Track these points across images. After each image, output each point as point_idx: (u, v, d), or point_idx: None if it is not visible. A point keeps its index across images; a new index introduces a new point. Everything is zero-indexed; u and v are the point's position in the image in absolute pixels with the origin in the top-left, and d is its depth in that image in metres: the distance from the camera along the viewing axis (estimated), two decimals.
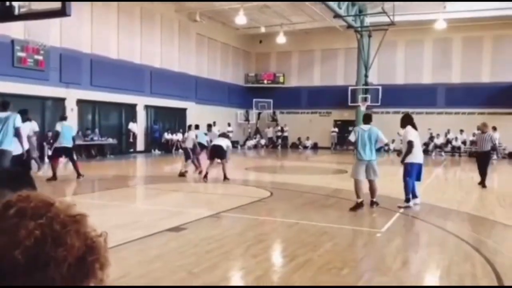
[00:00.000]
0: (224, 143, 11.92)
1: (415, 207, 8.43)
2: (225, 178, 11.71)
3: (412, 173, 8.50)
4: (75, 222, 0.73)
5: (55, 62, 17.73)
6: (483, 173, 11.77)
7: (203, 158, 13.09)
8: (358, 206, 8.11)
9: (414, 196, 8.66)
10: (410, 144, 8.37)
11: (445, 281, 4.50)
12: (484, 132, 11.83)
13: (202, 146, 13.58)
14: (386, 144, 10.70)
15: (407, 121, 8.79)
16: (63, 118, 12.47)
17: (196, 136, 13.45)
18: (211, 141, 13.43)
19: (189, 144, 13.21)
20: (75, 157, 12.36)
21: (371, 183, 8.32)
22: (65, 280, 0.69)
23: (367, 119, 8.61)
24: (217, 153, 11.79)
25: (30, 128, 11.65)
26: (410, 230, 6.96)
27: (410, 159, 8.59)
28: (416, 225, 7.21)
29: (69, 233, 0.71)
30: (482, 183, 11.66)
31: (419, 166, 8.63)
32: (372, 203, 8.29)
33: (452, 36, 27.42)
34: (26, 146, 8.71)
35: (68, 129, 11.91)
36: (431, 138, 26.48)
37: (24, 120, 10.19)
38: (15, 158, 8.15)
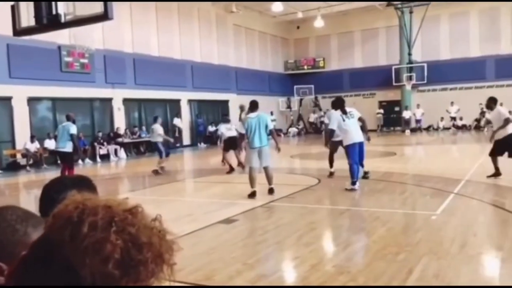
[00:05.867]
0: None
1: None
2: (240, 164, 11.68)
3: (353, 155, 8.41)
4: (137, 217, 0.71)
5: (99, 64, 18.30)
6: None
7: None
8: (252, 194, 8.01)
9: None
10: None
11: (508, 262, 4.33)
12: None
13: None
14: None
15: (338, 104, 8.69)
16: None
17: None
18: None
19: (158, 139, 12.57)
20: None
21: (266, 170, 8.22)
22: (150, 277, 0.68)
23: (254, 106, 8.47)
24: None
25: None
26: (466, 211, 6.72)
27: (347, 141, 8.58)
28: (473, 206, 6.95)
29: (141, 230, 0.69)
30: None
31: (359, 145, 8.57)
32: (270, 191, 8.16)
33: (500, 5, 26.08)
34: None
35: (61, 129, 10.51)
36: (482, 113, 25.40)
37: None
38: None
